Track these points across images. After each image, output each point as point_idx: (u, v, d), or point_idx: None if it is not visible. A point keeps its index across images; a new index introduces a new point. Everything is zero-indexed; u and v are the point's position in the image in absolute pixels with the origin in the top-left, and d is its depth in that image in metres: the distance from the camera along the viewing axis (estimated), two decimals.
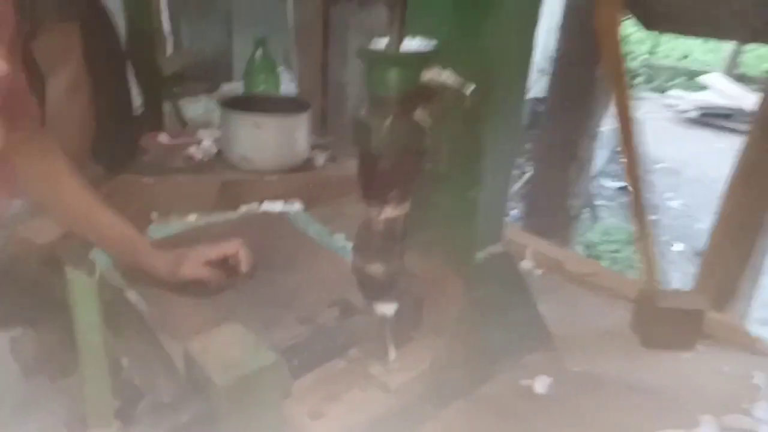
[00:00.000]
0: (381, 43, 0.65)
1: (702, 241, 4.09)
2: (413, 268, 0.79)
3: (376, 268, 0.74)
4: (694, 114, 6.63)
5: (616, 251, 3.57)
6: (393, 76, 0.64)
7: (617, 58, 0.83)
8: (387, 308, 0.77)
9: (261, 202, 1.49)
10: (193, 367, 0.63)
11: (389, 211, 0.71)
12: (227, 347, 0.64)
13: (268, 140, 1.47)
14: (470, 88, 0.68)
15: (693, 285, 1.29)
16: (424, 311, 0.82)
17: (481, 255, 0.77)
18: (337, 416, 0.71)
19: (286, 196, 1.51)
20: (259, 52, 1.82)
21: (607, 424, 0.83)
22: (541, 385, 0.88)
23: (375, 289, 0.76)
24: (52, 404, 0.98)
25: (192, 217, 1.40)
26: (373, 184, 0.70)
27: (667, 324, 0.99)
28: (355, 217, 1.48)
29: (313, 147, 1.64)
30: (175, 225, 1.33)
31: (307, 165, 1.59)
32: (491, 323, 0.83)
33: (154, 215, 1.38)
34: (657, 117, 6.98)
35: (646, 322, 1.01)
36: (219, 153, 1.60)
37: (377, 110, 0.66)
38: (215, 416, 0.62)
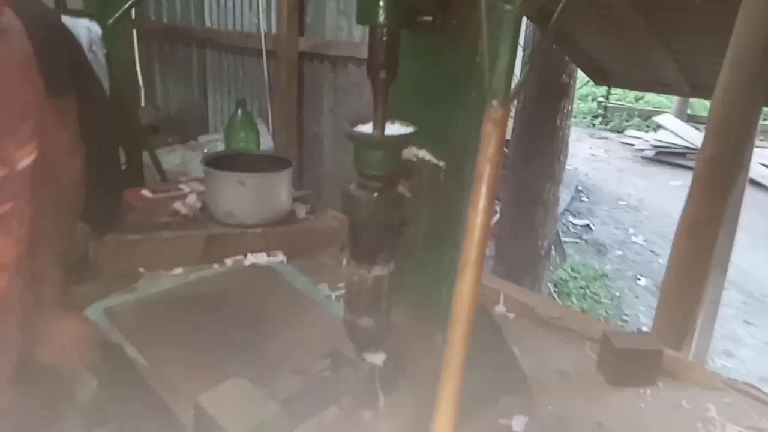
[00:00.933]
0: (365, 127, 0.75)
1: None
2: (398, 321, 0.87)
3: (366, 321, 0.82)
4: (650, 153, 6.99)
5: (585, 287, 3.71)
6: (379, 156, 0.74)
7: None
8: (376, 358, 0.84)
9: (245, 254, 1.55)
10: (204, 419, 0.69)
11: (377, 270, 0.80)
12: (236, 400, 0.70)
13: (252, 196, 1.54)
14: (443, 164, 0.78)
15: (653, 325, 1.39)
16: (408, 360, 0.90)
17: None
18: None
19: (269, 248, 1.57)
20: (239, 111, 1.91)
21: None
22: (518, 424, 0.96)
23: (365, 340, 0.84)
24: None
25: (178, 270, 1.45)
26: (362, 248, 0.79)
27: (629, 363, 1.09)
28: (335, 268, 1.60)
29: (294, 200, 1.72)
30: (165, 280, 1.38)
31: (288, 218, 1.66)
32: (471, 369, 0.91)
33: (141, 270, 1.43)
34: (616, 156, 7.31)
35: (610, 362, 1.11)
36: (203, 208, 1.66)
37: (365, 185, 0.76)
38: None
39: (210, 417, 0.67)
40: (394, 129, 0.76)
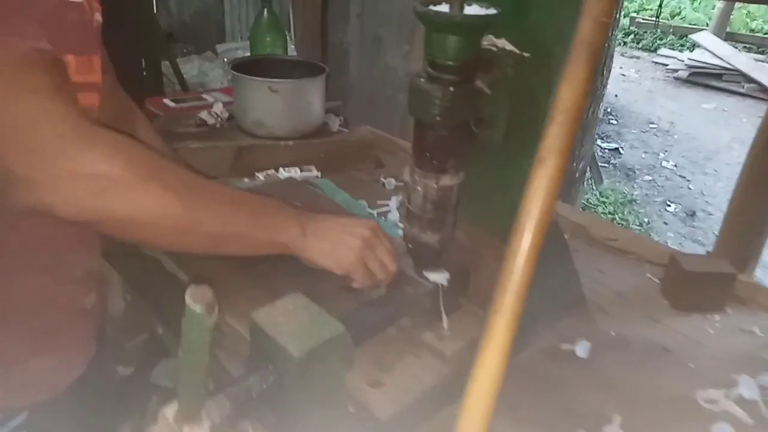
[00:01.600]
0: (440, 7, 0.63)
1: (694, 201, 4.14)
2: (462, 237, 0.79)
3: (430, 237, 0.74)
4: (683, 73, 6.63)
5: (613, 212, 3.62)
6: (457, 41, 0.62)
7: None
8: (440, 277, 0.77)
9: (276, 168, 1.46)
10: (261, 338, 0.63)
11: (446, 180, 0.70)
12: (295, 318, 0.63)
13: (283, 104, 1.43)
14: (527, 55, 0.66)
15: (714, 247, 1.31)
16: (470, 280, 0.83)
17: None
18: (395, 384, 0.72)
19: (301, 162, 1.48)
20: (265, 13, 1.75)
21: (644, 387, 0.85)
22: (582, 349, 0.90)
23: (428, 258, 0.76)
24: None
25: None
26: (430, 153, 0.69)
27: (697, 287, 1.01)
28: (371, 185, 1.51)
29: (326, 111, 1.61)
30: None
31: (321, 130, 1.56)
32: (534, 289, 0.84)
33: None
34: (647, 77, 6.97)
35: (676, 285, 1.03)
36: (231, 118, 1.56)
37: (437, 77, 0.65)
38: (285, 387, 0.62)
39: (268, 336, 0.61)
40: (472, 11, 0.64)
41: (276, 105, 1.43)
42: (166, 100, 1.77)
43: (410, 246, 0.76)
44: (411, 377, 0.73)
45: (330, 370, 0.64)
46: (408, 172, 0.73)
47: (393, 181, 1.47)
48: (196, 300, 0.42)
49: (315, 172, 1.47)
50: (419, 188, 0.72)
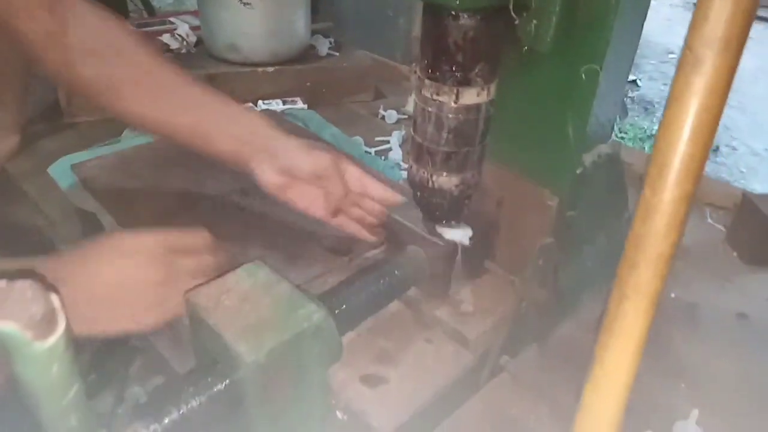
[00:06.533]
0: None
1: (717, 136, 3.92)
2: (489, 181, 0.58)
3: (447, 180, 0.52)
4: None
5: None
6: None
7: None
8: (459, 233, 0.56)
9: (255, 101, 1.24)
10: (202, 331, 0.43)
11: (469, 97, 0.48)
12: (252, 300, 0.43)
13: (260, 21, 1.20)
14: None
15: None
16: (500, 237, 0.62)
17: (588, 159, 0.56)
18: (400, 381, 0.53)
19: (285, 93, 1.26)
20: None
21: (720, 366, 0.66)
22: None
23: (443, 209, 0.55)
24: None
25: None
26: (448, 56, 0.47)
27: None
28: (370, 119, 1.27)
29: (313, 32, 1.36)
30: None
31: (308, 54, 1.32)
32: (587, 247, 0.64)
33: None
34: (665, 3, 6.54)
35: (749, 234, 0.83)
36: (199, 43, 1.32)
37: None
38: (239, 399, 0.43)
39: (211, 330, 0.41)
40: None
41: (251, 23, 1.20)
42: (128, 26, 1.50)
43: (419, 194, 0.55)
44: (422, 371, 0.53)
45: (305, 374, 0.45)
46: (415, 88, 0.51)
47: (395, 113, 1.25)
48: (5, 314, 0.21)
49: (301, 105, 1.24)
50: (431, 109, 0.50)
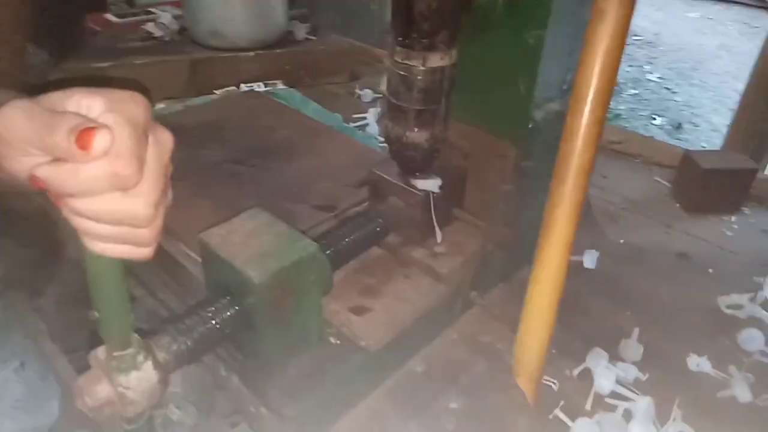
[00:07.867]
0: None
1: (680, 113, 4.03)
2: (456, 136, 0.66)
3: (418, 135, 0.61)
4: None
5: None
6: None
7: None
8: (430, 183, 0.64)
9: (238, 84, 1.30)
10: (214, 264, 0.51)
11: (435, 60, 0.57)
12: (256, 237, 0.51)
13: (240, 9, 1.26)
14: None
15: (723, 142, 1.21)
16: (467, 187, 0.71)
17: (538, 114, 0.65)
18: (383, 309, 0.61)
19: (265, 76, 1.32)
20: None
21: (662, 296, 0.76)
22: (589, 259, 0.80)
23: (416, 162, 0.63)
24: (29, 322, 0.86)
25: (159, 106, 1.21)
26: (415, 25, 0.55)
27: (713, 187, 0.91)
28: (347, 98, 1.35)
29: (291, 18, 1.43)
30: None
31: (286, 39, 1.39)
32: (542, 194, 0.73)
33: None
34: None
35: (690, 187, 0.93)
36: (182, 30, 1.38)
37: None
38: (249, 319, 0.51)
39: (222, 260, 0.49)
40: None
41: (232, 10, 1.26)
42: (109, 16, 1.55)
43: (394, 148, 0.63)
44: (401, 301, 0.62)
45: (303, 297, 0.53)
46: (388, 53, 0.59)
47: (370, 92, 1.33)
48: None
49: (281, 87, 1.31)
50: (402, 72, 0.58)
